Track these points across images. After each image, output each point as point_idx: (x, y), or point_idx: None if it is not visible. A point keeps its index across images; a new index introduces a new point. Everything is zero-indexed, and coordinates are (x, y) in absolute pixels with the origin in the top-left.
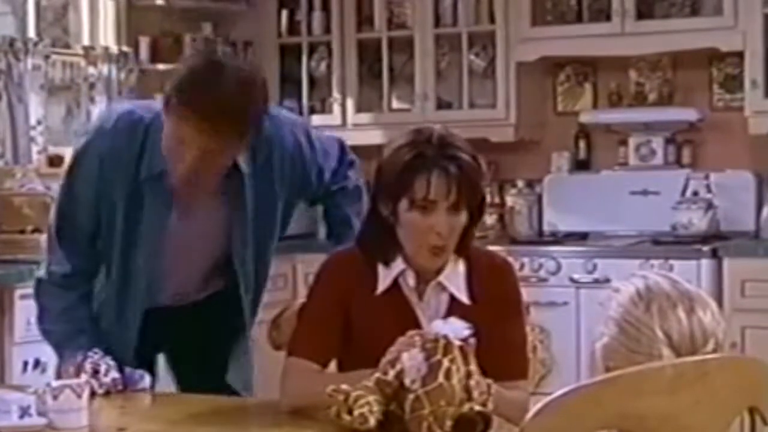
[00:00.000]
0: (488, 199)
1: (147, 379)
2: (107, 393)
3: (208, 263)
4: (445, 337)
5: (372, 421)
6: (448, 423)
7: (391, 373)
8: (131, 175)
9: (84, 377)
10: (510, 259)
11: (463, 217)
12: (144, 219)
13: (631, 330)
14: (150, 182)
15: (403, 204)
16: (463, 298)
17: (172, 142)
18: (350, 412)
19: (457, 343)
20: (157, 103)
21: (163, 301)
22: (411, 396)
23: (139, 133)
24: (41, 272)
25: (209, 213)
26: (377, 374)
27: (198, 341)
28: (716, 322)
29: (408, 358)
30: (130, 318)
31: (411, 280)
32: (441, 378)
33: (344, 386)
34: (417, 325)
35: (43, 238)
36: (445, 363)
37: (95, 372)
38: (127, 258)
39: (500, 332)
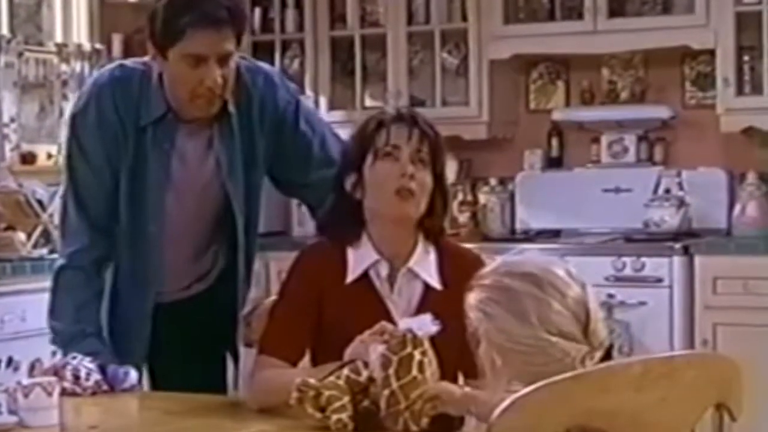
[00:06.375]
0: (461, 196)
1: (133, 376)
2: (94, 394)
3: (209, 229)
4: (411, 331)
5: (351, 427)
6: (425, 420)
7: (365, 374)
8: (133, 125)
9: (66, 384)
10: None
11: (427, 176)
12: (148, 173)
13: (529, 349)
14: (152, 128)
15: (368, 161)
16: (435, 283)
17: (186, 73)
18: (322, 410)
19: (426, 336)
20: (142, 59)
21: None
22: (386, 392)
23: (135, 81)
24: (60, 260)
25: (203, 163)
26: (346, 372)
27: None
28: (580, 288)
29: (373, 351)
30: (146, 304)
31: (383, 270)
32: (415, 371)
33: (312, 381)
34: (387, 317)
35: (16, 236)
36: (417, 356)
37: (76, 377)
38: (137, 225)
39: None
